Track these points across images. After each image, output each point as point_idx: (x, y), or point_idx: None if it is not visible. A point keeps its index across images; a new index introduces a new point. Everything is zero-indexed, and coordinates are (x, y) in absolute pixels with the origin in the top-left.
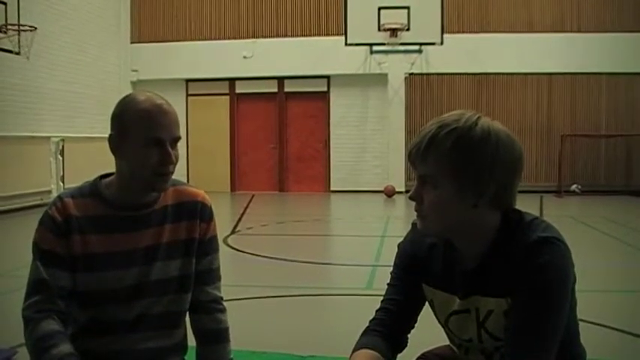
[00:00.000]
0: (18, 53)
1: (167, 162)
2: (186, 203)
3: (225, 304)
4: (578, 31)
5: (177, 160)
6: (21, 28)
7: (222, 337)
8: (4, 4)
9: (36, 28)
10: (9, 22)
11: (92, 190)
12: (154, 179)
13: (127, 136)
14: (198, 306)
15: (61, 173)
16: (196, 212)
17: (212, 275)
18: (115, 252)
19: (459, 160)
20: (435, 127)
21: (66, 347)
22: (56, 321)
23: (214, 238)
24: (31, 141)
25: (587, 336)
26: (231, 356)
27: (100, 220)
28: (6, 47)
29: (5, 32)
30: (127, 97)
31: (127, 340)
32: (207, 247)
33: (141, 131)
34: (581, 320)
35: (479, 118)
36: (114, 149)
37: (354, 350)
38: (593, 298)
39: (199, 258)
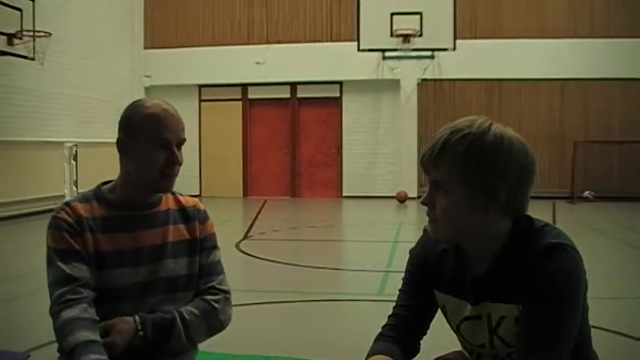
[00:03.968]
0: (33, 59)
1: (174, 162)
2: (186, 209)
3: (236, 308)
4: (591, 36)
5: (182, 162)
6: (36, 34)
7: (193, 301)
8: (20, 10)
9: (50, 34)
10: (24, 28)
11: (96, 195)
12: (160, 179)
13: (136, 138)
14: (196, 294)
15: (75, 178)
16: (195, 216)
17: (212, 269)
18: (122, 250)
19: (472, 166)
20: (448, 133)
21: (82, 335)
22: (77, 308)
23: (212, 235)
24: (44, 146)
25: (599, 343)
26: (175, 313)
27: (106, 221)
28: (21, 53)
29: (20, 38)
30: (135, 102)
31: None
32: (207, 243)
33: (149, 133)
34: (593, 327)
35: (491, 124)
36: (122, 151)
37: (367, 356)
38: (605, 304)
39: (200, 254)
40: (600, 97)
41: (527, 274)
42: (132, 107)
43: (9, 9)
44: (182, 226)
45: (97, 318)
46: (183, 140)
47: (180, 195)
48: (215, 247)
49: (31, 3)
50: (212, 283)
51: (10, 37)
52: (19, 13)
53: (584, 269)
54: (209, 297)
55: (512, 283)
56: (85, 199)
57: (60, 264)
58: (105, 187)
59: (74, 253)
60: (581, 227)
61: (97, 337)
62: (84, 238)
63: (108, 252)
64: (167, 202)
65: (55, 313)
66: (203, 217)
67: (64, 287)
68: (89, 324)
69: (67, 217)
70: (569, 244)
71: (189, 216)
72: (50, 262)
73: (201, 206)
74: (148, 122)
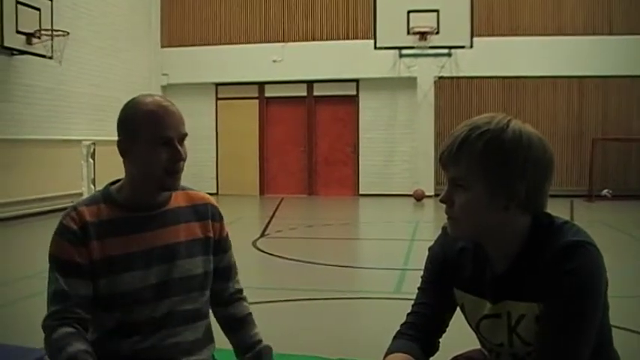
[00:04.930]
0: (51, 58)
1: (177, 159)
2: (198, 205)
3: (253, 306)
4: (609, 33)
5: (186, 157)
6: (54, 33)
7: (247, 321)
8: (38, 9)
9: (68, 33)
10: (42, 27)
11: (104, 196)
12: (166, 177)
13: (136, 139)
14: (221, 300)
15: (92, 176)
16: (207, 213)
17: (232, 271)
18: (133, 252)
19: (491, 163)
20: (467, 130)
21: (81, 345)
22: (73, 327)
23: (228, 235)
24: (63, 144)
25: (620, 342)
26: (260, 337)
27: (115, 223)
28: (39, 52)
29: (39, 37)
30: (131, 101)
31: (154, 337)
32: (224, 245)
33: (149, 132)
34: (613, 326)
35: (510, 120)
36: (123, 153)
37: (386, 354)
38: (625, 303)
39: (218, 256)
40: (619, 94)
41: (548, 272)
42: (128, 106)
43: (27, 8)
44: (195, 224)
45: (89, 340)
46: (185, 135)
47: (190, 190)
48: (231, 247)
49: (49, 2)
50: (239, 286)
51: (29, 37)
52: (37, 12)
53: (605, 267)
54: (242, 294)
55: (533, 281)
56: (93, 201)
57: (58, 275)
58: (113, 187)
59: (74, 266)
60: (600, 225)
61: (86, 347)
62: (89, 247)
63: (117, 256)
64: (177, 200)
65: (48, 327)
66: (218, 216)
67: (60, 305)
68: (84, 340)
69: (72, 224)
70: (589, 241)
71: (201, 213)
72: (50, 269)
73: (213, 202)
74: (147, 121)
